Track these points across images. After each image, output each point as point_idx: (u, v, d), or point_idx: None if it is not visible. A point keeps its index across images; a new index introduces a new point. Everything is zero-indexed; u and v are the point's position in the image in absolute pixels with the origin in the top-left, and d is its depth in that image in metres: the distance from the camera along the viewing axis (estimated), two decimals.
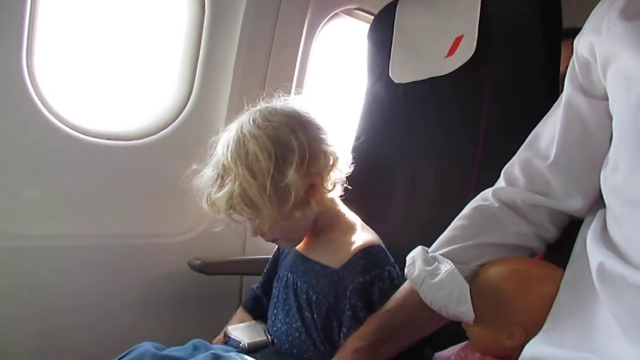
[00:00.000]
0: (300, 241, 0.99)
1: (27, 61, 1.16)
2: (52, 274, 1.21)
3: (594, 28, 0.69)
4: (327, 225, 0.98)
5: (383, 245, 0.95)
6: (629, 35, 0.62)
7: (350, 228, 0.97)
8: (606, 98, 0.70)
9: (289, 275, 1.01)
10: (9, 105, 1.15)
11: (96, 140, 1.26)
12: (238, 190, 0.86)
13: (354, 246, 0.92)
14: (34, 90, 1.18)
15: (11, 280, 1.16)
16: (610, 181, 0.65)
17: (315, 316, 0.92)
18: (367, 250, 0.91)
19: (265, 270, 1.16)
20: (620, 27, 0.64)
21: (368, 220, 1.22)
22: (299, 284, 0.96)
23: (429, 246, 0.83)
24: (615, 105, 0.67)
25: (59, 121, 1.22)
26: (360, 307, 0.86)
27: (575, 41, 0.75)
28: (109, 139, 1.29)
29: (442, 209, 1.05)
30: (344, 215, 1.00)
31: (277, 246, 1.11)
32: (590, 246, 0.63)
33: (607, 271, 0.57)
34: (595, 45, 0.68)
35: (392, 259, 0.93)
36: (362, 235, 0.96)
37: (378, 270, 0.88)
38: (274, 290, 1.06)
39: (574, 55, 0.75)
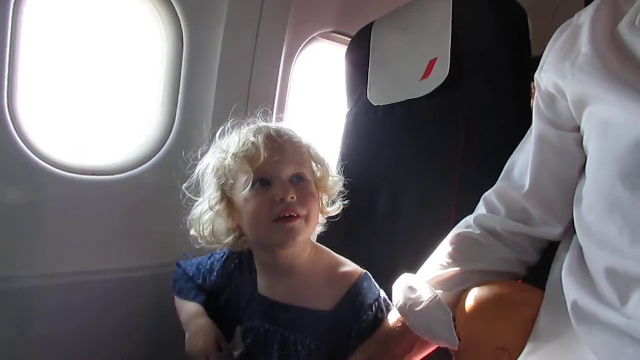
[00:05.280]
0: (302, 238, 0.89)
1: (9, 101, 1.15)
2: (43, 314, 1.20)
3: (557, 71, 0.71)
4: (308, 265, 0.94)
5: (368, 273, 0.93)
6: (599, 82, 0.64)
7: (332, 263, 0.95)
8: (576, 130, 0.73)
9: (267, 325, 0.94)
10: None
11: (80, 176, 1.26)
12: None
13: (344, 282, 0.89)
14: (16, 131, 1.17)
15: (4, 322, 1.16)
16: (585, 220, 0.68)
17: None
18: (359, 284, 0.89)
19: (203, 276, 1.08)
20: (588, 74, 0.65)
21: (351, 239, 1.25)
22: (288, 335, 0.91)
23: (411, 266, 0.85)
24: (591, 147, 0.69)
25: (43, 160, 1.21)
26: None
27: (536, 75, 0.77)
28: (93, 174, 1.29)
29: (424, 228, 1.09)
30: (323, 252, 0.98)
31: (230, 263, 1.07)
32: (565, 282, 0.65)
33: (581, 309, 0.60)
34: (563, 86, 0.70)
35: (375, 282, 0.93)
36: (346, 268, 0.93)
37: (376, 303, 0.87)
38: (248, 337, 0.98)
39: (537, 90, 0.78)
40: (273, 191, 0.86)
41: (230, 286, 1.05)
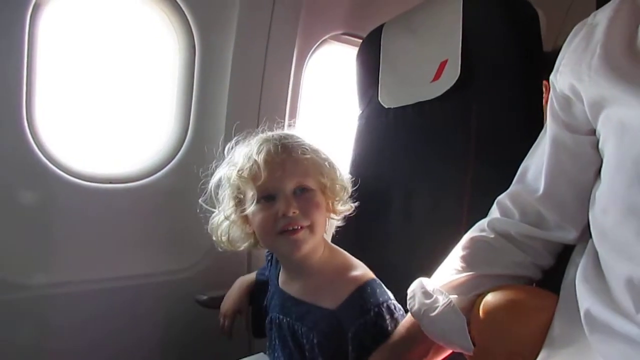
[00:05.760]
0: (308, 246, 0.92)
1: (27, 112, 1.19)
2: (61, 321, 1.23)
3: (573, 73, 0.70)
4: (320, 265, 0.98)
5: (376, 279, 0.95)
6: (616, 84, 0.62)
7: (343, 266, 0.97)
8: (591, 133, 0.72)
9: (282, 317, 1.00)
10: (10, 156, 1.18)
11: (97, 185, 1.29)
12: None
13: (350, 285, 0.92)
14: (35, 141, 1.21)
15: (21, 331, 1.18)
16: (599, 223, 0.67)
17: (321, 358, 0.92)
18: (363, 288, 0.90)
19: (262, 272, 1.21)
20: (605, 76, 0.64)
21: (364, 242, 1.26)
22: (297, 327, 0.96)
23: (424, 269, 0.85)
24: (607, 150, 0.68)
25: (60, 169, 1.24)
26: (365, 347, 0.87)
27: (551, 77, 0.76)
28: (110, 182, 1.31)
29: (437, 230, 1.10)
30: (337, 254, 1.01)
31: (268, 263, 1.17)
32: (578, 288, 0.64)
33: (593, 318, 0.59)
34: (580, 89, 0.69)
35: (386, 290, 0.93)
36: (356, 271, 0.95)
37: (377, 308, 0.88)
38: (269, 330, 1.06)
39: (551, 91, 0.77)
40: (276, 206, 0.90)
41: (269, 280, 1.13)
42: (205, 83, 1.41)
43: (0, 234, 1.18)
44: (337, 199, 0.99)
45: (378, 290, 0.91)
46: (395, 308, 0.91)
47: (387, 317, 0.88)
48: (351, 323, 0.87)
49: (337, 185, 0.98)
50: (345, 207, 1.02)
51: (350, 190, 1.02)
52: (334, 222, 1.03)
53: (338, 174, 0.99)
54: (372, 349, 0.85)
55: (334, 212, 1.00)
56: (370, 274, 0.95)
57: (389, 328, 0.87)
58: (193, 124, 1.43)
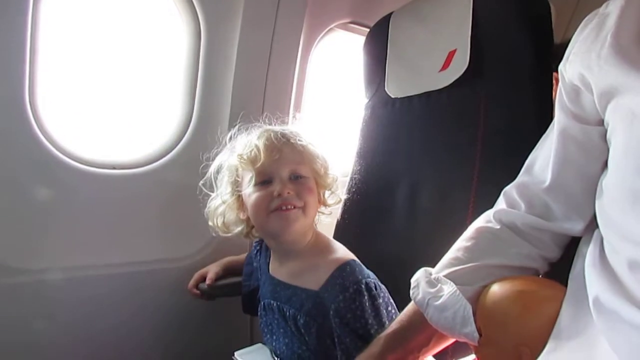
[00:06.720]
0: (299, 226, 1.00)
1: (30, 96, 1.17)
2: (64, 306, 1.23)
3: (583, 62, 0.69)
4: (307, 250, 1.04)
5: (356, 259, 1.00)
6: (627, 73, 0.62)
7: (325, 249, 1.03)
8: (600, 124, 0.71)
9: (273, 302, 1.05)
10: (13, 141, 1.17)
11: (101, 170, 1.28)
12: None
13: (330, 266, 0.97)
14: (38, 126, 1.19)
15: (25, 316, 1.18)
16: (606, 212, 0.66)
17: (307, 338, 0.97)
18: (342, 268, 0.96)
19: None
20: (615, 65, 0.63)
21: (368, 232, 1.26)
22: (285, 309, 1.01)
23: (429, 259, 0.84)
24: (615, 139, 0.67)
25: (64, 154, 1.23)
26: (347, 324, 0.90)
27: (560, 67, 0.75)
28: (113, 168, 1.30)
29: (442, 222, 1.09)
30: (321, 239, 1.07)
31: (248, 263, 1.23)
32: (588, 276, 0.64)
33: (602, 305, 0.58)
34: (589, 78, 0.68)
35: (366, 270, 0.98)
36: (336, 254, 1.02)
37: (355, 285, 0.92)
38: (263, 316, 1.10)
39: (560, 82, 0.76)
40: (272, 187, 0.98)
41: (259, 269, 1.18)
42: (210, 71, 1.40)
43: (3, 218, 1.17)
44: (327, 189, 1.08)
45: (357, 269, 0.97)
46: (375, 286, 0.95)
47: (366, 294, 0.92)
48: (332, 301, 0.92)
49: (330, 176, 1.07)
50: (335, 200, 1.10)
51: (338, 185, 1.10)
52: (324, 217, 1.10)
53: (330, 167, 1.07)
54: (353, 325, 0.90)
55: (324, 204, 1.09)
56: (350, 255, 1.02)
57: (367, 304, 0.91)
58: (197, 112, 1.42)
